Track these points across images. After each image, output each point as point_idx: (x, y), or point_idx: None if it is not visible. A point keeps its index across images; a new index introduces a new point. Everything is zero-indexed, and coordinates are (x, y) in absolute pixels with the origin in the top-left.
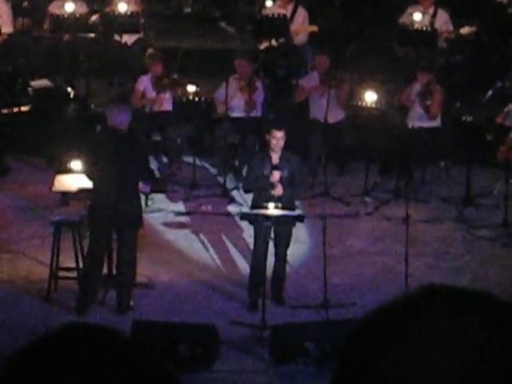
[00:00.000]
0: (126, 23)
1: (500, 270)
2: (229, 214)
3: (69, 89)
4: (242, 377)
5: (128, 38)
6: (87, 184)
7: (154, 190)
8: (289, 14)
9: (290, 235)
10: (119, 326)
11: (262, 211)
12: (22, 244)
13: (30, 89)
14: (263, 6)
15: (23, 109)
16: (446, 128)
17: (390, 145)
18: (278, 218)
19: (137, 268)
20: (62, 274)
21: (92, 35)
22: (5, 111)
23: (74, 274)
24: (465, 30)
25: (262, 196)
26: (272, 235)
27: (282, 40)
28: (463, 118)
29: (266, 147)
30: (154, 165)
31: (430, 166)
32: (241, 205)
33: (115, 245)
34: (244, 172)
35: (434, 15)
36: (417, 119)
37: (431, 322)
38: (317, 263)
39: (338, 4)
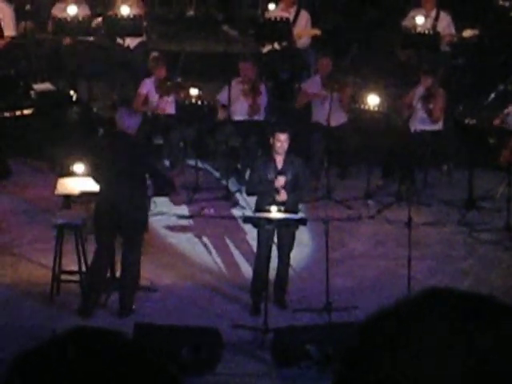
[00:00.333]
0: (129, 26)
1: (502, 273)
2: (231, 218)
3: (71, 92)
4: (244, 380)
5: (131, 42)
6: (90, 187)
7: (157, 194)
8: (291, 18)
9: (293, 238)
10: (121, 329)
11: (265, 214)
12: (25, 247)
13: (32, 92)
14: (266, 9)
15: (25, 112)
16: (449, 131)
17: (392, 148)
18: (280, 221)
19: (140, 273)
20: (64, 277)
21: (94, 38)
22: (7, 114)
23: (76, 277)
24: (467, 33)
25: (265, 199)
26: (275, 238)
27: (284, 43)
28: (466, 122)
29: (269, 150)
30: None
31: (432, 169)
32: (244, 208)
33: (119, 248)
34: (246, 175)
35: (437, 18)
36: (419, 122)
37: (433, 325)
38: (319, 266)
39: (340, 7)
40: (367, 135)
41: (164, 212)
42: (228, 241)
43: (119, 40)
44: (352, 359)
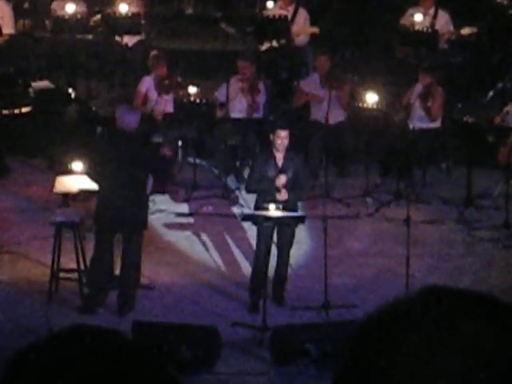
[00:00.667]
0: (127, 24)
1: (501, 271)
2: (230, 215)
3: (70, 90)
4: (242, 378)
5: (129, 40)
6: (88, 185)
7: (155, 191)
8: (290, 16)
9: (292, 236)
10: (119, 327)
11: (264, 212)
12: (23, 245)
13: (30, 90)
14: (264, 7)
15: (24, 110)
16: (447, 129)
17: (390, 146)
18: (279, 219)
19: (140, 272)
20: (62, 274)
21: (93, 36)
22: (5, 112)
23: (74, 275)
24: (465, 31)
25: (265, 197)
26: (275, 236)
27: (282, 41)
28: (464, 119)
29: (268, 148)
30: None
31: (430, 167)
32: (242, 206)
33: (119, 246)
34: (245, 173)
35: (435, 16)
36: (418, 120)
37: (432, 324)
38: (317, 264)
39: (338, 5)
40: (366, 133)
41: (163, 210)
42: (227, 239)
43: (117, 38)
44: (351, 358)
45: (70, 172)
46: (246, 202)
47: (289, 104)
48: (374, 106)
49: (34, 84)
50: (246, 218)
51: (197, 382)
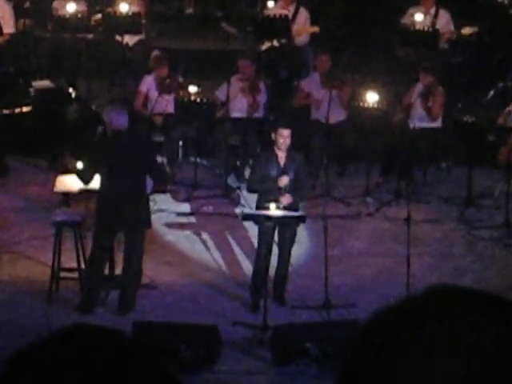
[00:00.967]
0: (128, 24)
1: (501, 270)
2: (231, 215)
3: (70, 89)
4: (243, 377)
5: (129, 39)
6: (88, 185)
7: (155, 191)
8: (290, 15)
9: (293, 236)
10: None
11: (264, 212)
12: (24, 244)
13: (31, 89)
14: (265, 6)
15: (24, 109)
16: (448, 129)
17: (391, 145)
18: (279, 218)
19: (142, 271)
20: (63, 274)
21: (94, 36)
22: (6, 112)
23: (75, 275)
24: (466, 31)
25: (267, 197)
26: (276, 235)
27: (283, 41)
28: (464, 119)
29: (270, 147)
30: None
31: (431, 166)
32: (243, 205)
33: (121, 246)
34: (246, 172)
35: (436, 16)
36: (418, 120)
37: (436, 324)
38: (318, 264)
39: (339, 5)
40: (366, 133)
41: (163, 209)
42: (227, 238)
43: (118, 37)
44: (353, 358)
45: (70, 171)
46: (247, 201)
47: (289, 103)
48: (375, 106)
49: (34, 83)
50: (246, 217)
51: (197, 381)
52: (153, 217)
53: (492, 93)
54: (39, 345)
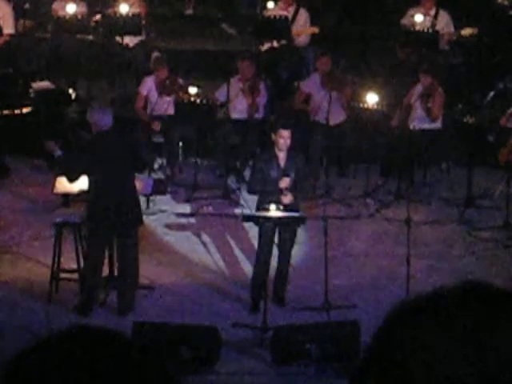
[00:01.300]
0: (127, 25)
1: (501, 271)
2: (231, 216)
3: (70, 90)
4: (243, 378)
5: (130, 40)
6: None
7: (156, 192)
8: (290, 16)
9: (293, 237)
10: (120, 328)
11: (264, 213)
12: (23, 245)
13: (31, 90)
14: (265, 7)
15: (24, 110)
16: (448, 129)
17: (391, 146)
18: (279, 219)
19: (139, 269)
20: (63, 275)
21: (94, 37)
22: (6, 112)
23: (75, 276)
24: (466, 32)
25: (267, 198)
26: (276, 236)
27: (283, 42)
28: (464, 120)
29: (270, 148)
30: (156, 166)
31: (431, 167)
32: (243, 206)
33: (115, 245)
34: (246, 173)
35: (436, 17)
36: (418, 121)
37: (469, 323)
38: (318, 265)
39: (339, 5)
40: (366, 133)
41: (163, 210)
42: (227, 239)
43: (118, 38)
44: (376, 345)
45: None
46: (247, 202)
47: (289, 104)
48: (375, 107)
49: (34, 84)
50: (246, 218)
51: (197, 382)
52: (153, 218)
53: (492, 94)
54: (39, 346)
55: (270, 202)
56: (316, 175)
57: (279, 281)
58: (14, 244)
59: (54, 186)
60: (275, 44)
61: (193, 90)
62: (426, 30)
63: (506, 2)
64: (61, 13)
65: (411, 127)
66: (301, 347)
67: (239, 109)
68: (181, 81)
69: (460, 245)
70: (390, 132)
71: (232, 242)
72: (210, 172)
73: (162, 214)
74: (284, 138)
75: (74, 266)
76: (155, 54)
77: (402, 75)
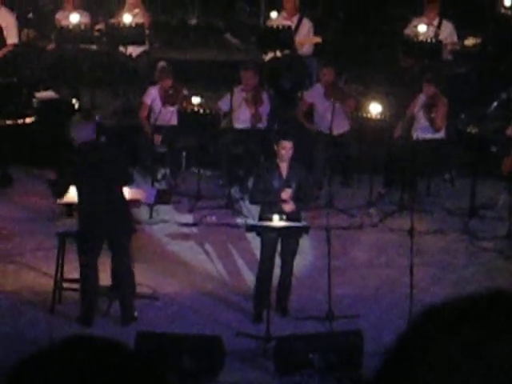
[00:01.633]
0: (131, 35)
1: (504, 281)
2: (234, 226)
3: (73, 100)
4: None
5: (133, 50)
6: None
7: (160, 202)
8: (293, 26)
9: (296, 247)
10: (123, 338)
11: (268, 223)
12: (27, 255)
13: (34, 100)
14: (268, 17)
15: (28, 120)
16: (451, 139)
17: (394, 156)
18: (283, 229)
19: (140, 279)
20: (66, 285)
21: (97, 47)
22: (9, 122)
23: (78, 286)
24: (469, 42)
25: (269, 208)
26: (279, 246)
27: (286, 51)
28: (468, 130)
29: (272, 158)
30: (159, 175)
31: (434, 177)
32: (246, 216)
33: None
34: (249, 183)
35: (439, 27)
36: (421, 131)
37: (493, 334)
38: (321, 275)
39: (342, 16)
40: (369, 143)
41: (166, 220)
42: (230, 249)
43: (121, 48)
44: (400, 347)
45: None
46: (250, 212)
47: (292, 114)
48: (378, 117)
49: (37, 94)
50: (249, 228)
51: None
52: (156, 227)
53: (495, 104)
54: (40, 356)
55: (272, 213)
56: (319, 185)
57: (282, 290)
58: (16, 254)
59: None
60: (278, 54)
61: (196, 100)
62: (429, 40)
63: (509, 12)
64: (64, 23)
65: (414, 137)
66: (304, 357)
67: (242, 119)
68: (185, 91)
69: (463, 255)
70: (393, 142)
71: (235, 252)
72: (213, 182)
73: (165, 223)
74: (286, 149)
75: (77, 276)
76: (161, 64)
77: (405, 85)
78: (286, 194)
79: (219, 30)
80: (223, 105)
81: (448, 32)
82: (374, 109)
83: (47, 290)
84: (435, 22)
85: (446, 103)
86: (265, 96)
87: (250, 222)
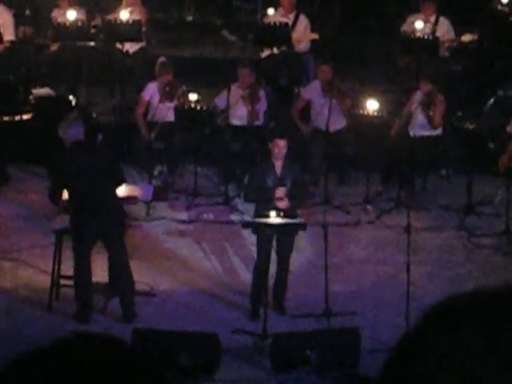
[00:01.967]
0: (128, 32)
1: (501, 278)
2: (230, 223)
3: (70, 97)
4: None
5: (130, 47)
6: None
7: (157, 198)
8: (290, 23)
9: (292, 243)
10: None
11: (264, 220)
12: (24, 252)
13: (31, 97)
14: (265, 14)
15: (25, 117)
16: (448, 136)
17: (391, 153)
18: (279, 226)
19: (137, 276)
20: (63, 282)
21: (94, 44)
22: (6, 119)
23: None
24: (466, 38)
25: (264, 206)
26: (274, 244)
27: (283, 48)
28: (465, 127)
29: (268, 156)
30: (156, 172)
31: (431, 174)
32: (242, 213)
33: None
34: (246, 180)
35: (436, 23)
36: (418, 128)
37: (490, 328)
38: (318, 272)
39: (339, 12)
40: (366, 140)
41: (163, 217)
42: (227, 246)
43: (118, 45)
44: (405, 342)
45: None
46: (247, 209)
47: (289, 111)
48: (375, 114)
49: (34, 91)
50: (246, 225)
51: None
52: (152, 224)
53: (492, 100)
54: (37, 353)
55: (268, 210)
56: (316, 182)
57: (279, 287)
58: (14, 251)
59: None
60: (275, 50)
61: (193, 97)
62: (426, 37)
63: (506, 9)
64: (61, 19)
65: (411, 134)
66: (301, 354)
67: (239, 116)
68: (184, 87)
69: (460, 251)
70: (390, 139)
71: (232, 249)
72: (210, 179)
73: (162, 220)
74: (279, 147)
75: None
76: (161, 59)
77: (402, 82)
78: (281, 192)
79: (216, 27)
80: (220, 102)
81: (445, 29)
82: (371, 105)
83: (45, 287)
84: (432, 19)
85: (443, 101)
86: (261, 93)
87: (247, 218)
